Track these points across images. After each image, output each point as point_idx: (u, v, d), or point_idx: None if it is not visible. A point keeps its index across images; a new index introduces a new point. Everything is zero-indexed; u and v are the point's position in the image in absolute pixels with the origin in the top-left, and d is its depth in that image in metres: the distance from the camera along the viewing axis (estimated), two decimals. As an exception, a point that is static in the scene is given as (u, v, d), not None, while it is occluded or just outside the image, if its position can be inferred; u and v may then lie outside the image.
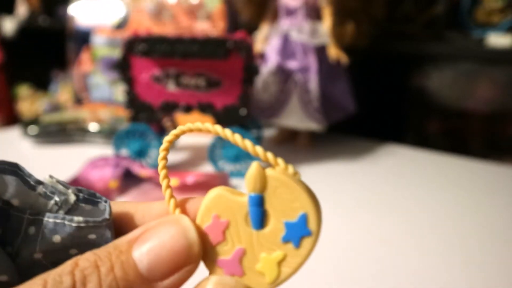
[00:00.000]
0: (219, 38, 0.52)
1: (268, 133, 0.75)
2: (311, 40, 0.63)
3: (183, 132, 0.16)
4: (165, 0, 0.74)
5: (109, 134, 0.65)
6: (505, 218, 0.45)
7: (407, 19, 0.72)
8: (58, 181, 0.15)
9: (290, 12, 0.64)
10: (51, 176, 0.15)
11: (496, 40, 0.63)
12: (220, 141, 0.54)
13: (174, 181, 0.47)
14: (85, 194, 0.15)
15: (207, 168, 0.57)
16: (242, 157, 0.54)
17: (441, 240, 0.40)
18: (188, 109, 0.54)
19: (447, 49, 0.67)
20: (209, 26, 0.72)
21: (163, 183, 0.16)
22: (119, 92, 0.78)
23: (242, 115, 0.54)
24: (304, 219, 0.14)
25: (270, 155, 0.14)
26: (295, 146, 0.69)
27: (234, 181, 0.53)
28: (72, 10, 0.86)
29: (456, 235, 0.41)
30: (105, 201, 0.15)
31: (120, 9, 0.80)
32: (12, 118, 1.21)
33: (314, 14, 0.65)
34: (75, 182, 0.48)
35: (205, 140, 0.70)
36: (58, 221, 0.14)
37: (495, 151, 0.74)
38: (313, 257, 0.37)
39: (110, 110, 0.74)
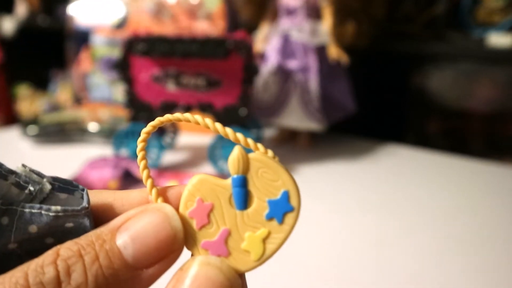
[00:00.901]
0: (219, 38, 0.52)
1: (268, 133, 0.75)
2: (311, 40, 0.63)
3: (161, 123, 0.16)
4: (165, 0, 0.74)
5: (109, 134, 0.65)
6: (506, 218, 0.45)
7: (407, 19, 0.72)
8: (32, 170, 0.15)
9: (290, 12, 0.64)
10: (23, 165, 0.15)
11: (497, 39, 0.63)
12: (220, 141, 0.54)
13: (173, 183, 0.46)
14: (61, 183, 0.15)
15: (207, 168, 0.57)
16: (242, 157, 0.54)
17: (441, 240, 0.40)
18: (188, 109, 0.54)
19: (448, 49, 0.67)
20: (209, 26, 0.72)
21: (144, 173, 0.16)
22: (119, 92, 0.78)
23: (242, 115, 0.53)
24: (286, 196, 0.15)
25: (250, 140, 0.15)
26: (295, 146, 0.69)
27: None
28: (71, 9, 0.86)
29: (456, 235, 0.41)
30: (82, 190, 0.15)
31: (119, 8, 0.80)
32: (11, 118, 1.21)
33: (314, 13, 0.64)
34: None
35: (205, 140, 0.70)
36: (34, 211, 0.14)
37: (496, 151, 0.74)
38: (313, 257, 0.37)
39: (110, 110, 0.74)
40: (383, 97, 0.83)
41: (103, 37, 0.78)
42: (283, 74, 0.63)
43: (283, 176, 0.15)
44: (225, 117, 0.54)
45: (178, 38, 0.52)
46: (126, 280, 0.14)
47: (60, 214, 0.14)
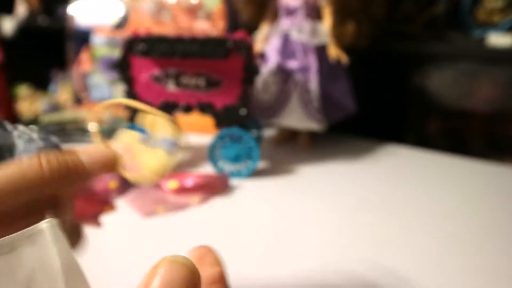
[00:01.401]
0: (219, 38, 0.52)
1: (268, 133, 0.75)
2: (311, 40, 0.63)
3: (109, 105, 0.25)
4: (165, -1, 0.74)
5: (109, 134, 0.65)
6: (506, 218, 0.45)
7: (407, 18, 0.72)
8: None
9: (290, 12, 0.64)
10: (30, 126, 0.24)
11: (497, 40, 0.63)
12: (220, 141, 0.54)
13: (173, 184, 0.46)
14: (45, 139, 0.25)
15: (207, 168, 0.57)
16: (242, 157, 0.54)
17: (441, 240, 0.40)
18: (188, 109, 0.54)
19: (448, 49, 0.67)
20: (209, 26, 0.72)
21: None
22: (119, 92, 0.78)
23: (242, 115, 0.53)
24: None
25: (167, 117, 0.23)
26: (295, 146, 0.69)
27: (234, 181, 0.53)
28: (71, 9, 0.86)
29: (456, 235, 0.41)
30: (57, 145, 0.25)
31: (119, 8, 0.80)
32: (11, 118, 1.21)
33: (314, 13, 0.64)
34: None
35: (205, 140, 0.70)
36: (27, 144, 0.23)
37: (496, 151, 0.73)
38: (313, 257, 0.37)
39: (110, 110, 0.74)
40: (383, 97, 0.83)
41: (103, 37, 0.78)
42: (283, 74, 0.63)
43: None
44: (225, 117, 0.54)
45: (178, 38, 0.51)
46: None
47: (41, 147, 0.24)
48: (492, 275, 0.34)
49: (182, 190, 0.47)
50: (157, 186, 0.48)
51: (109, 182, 0.47)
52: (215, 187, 0.48)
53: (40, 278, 0.15)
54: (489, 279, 0.34)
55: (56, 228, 0.16)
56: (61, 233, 0.16)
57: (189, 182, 0.47)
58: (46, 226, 0.16)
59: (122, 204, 0.45)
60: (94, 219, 0.42)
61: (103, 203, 0.45)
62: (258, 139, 0.67)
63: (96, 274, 0.31)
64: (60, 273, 0.15)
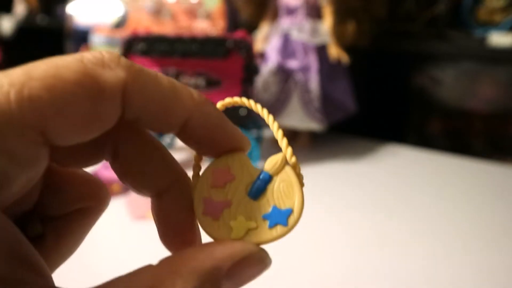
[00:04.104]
0: (219, 37, 0.51)
1: (268, 133, 0.74)
2: (311, 40, 0.63)
3: (229, 104, 0.20)
4: (164, -1, 0.73)
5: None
6: (507, 217, 0.44)
7: (409, 18, 0.72)
8: None
9: (291, 11, 0.64)
10: None
11: (498, 39, 0.62)
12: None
13: None
14: None
15: (207, 169, 0.56)
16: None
17: (443, 240, 0.39)
18: (187, 109, 0.54)
19: (449, 48, 0.67)
20: (209, 25, 0.72)
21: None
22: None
23: (242, 115, 0.53)
24: (289, 213, 0.17)
25: (290, 150, 0.17)
26: (295, 146, 0.69)
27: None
28: (70, 9, 0.85)
29: (458, 236, 0.40)
30: None
31: (119, 8, 0.80)
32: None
33: (315, 13, 0.64)
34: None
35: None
36: None
37: (497, 151, 0.73)
38: (313, 257, 0.37)
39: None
40: (384, 97, 0.82)
41: (102, 36, 0.78)
42: (283, 74, 0.63)
43: (297, 199, 0.17)
44: (225, 117, 0.53)
45: (177, 38, 0.51)
46: None
47: None
48: (495, 274, 0.34)
49: None
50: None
51: (113, 185, 0.47)
52: None
53: None
54: (491, 279, 0.33)
55: None
56: None
57: None
58: None
59: (122, 204, 0.45)
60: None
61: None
62: (258, 139, 0.66)
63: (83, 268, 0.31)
64: None
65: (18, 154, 0.12)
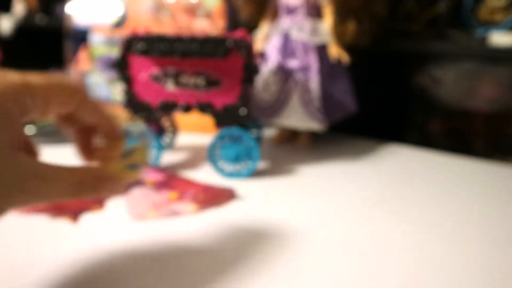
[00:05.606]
0: (219, 37, 0.51)
1: (268, 133, 0.74)
2: (311, 39, 0.63)
3: None
4: (164, -2, 0.73)
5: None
6: (509, 218, 0.44)
7: (409, 17, 0.72)
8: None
9: (291, 11, 0.64)
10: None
11: (499, 38, 0.62)
12: (220, 141, 0.53)
13: (173, 195, 0.45)
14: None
15: (207, 168, 0.56)
16: (242, 157, 0.53)
17: (443, 241, 0.39)
18: (187, 108, 0.54)
19: (450, 47, 0.67)
20: (209, 25, 0.72)
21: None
22: (118, 91, 0.77)
23: (242, 115, 0.53)
24: (138, 166, 0.32)
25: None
26: (295, 146, 0.68)
27: (234, 181, 0.52)
28: (69, 8, 0.85)
29: (459, 236, 0.40)
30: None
31: (118, 7, 0.79)
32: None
33: (315, 12, 0.64)
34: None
35: (204, 140, 0.69)
36: None
37: (499, 151, 0.73)
38: (314, 257, 0.36)
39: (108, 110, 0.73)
40: (385, 97, 0.82)
41: (101, 36, 0.78)
42: (283, 73, 0.63)
43: (140, 159, 0.33)
44: (225, 117, 0.53)
45: (177, 37, 0.51)
46: None
47: None
48: (495, 276, 0.34)
49: (181, 200, 0.45)
50: (158, 191, 0.47)
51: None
52: (217, 200, 0.46)
53: None
54: (491, 279, 0.33)
55: None
56: None
57: (189, 195, 0.45)
58: None
59: (122, 203, 0.45)
60: (74, 214, 0.41)
61: (94, 201, 0.44)
62: (258, 139, 0.66)
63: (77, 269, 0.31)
64: None
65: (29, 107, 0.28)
